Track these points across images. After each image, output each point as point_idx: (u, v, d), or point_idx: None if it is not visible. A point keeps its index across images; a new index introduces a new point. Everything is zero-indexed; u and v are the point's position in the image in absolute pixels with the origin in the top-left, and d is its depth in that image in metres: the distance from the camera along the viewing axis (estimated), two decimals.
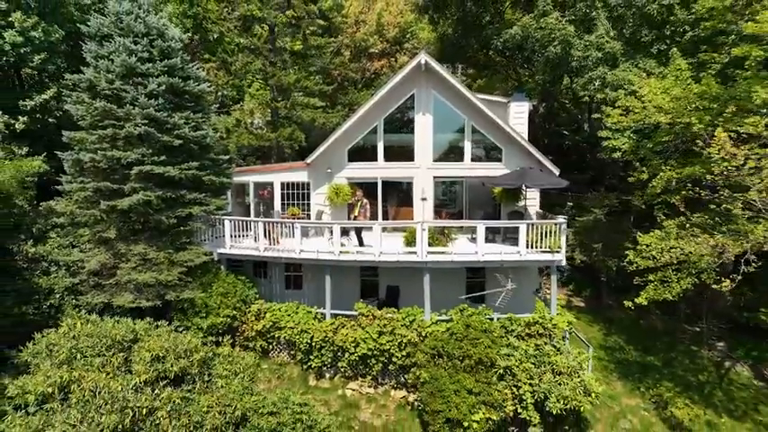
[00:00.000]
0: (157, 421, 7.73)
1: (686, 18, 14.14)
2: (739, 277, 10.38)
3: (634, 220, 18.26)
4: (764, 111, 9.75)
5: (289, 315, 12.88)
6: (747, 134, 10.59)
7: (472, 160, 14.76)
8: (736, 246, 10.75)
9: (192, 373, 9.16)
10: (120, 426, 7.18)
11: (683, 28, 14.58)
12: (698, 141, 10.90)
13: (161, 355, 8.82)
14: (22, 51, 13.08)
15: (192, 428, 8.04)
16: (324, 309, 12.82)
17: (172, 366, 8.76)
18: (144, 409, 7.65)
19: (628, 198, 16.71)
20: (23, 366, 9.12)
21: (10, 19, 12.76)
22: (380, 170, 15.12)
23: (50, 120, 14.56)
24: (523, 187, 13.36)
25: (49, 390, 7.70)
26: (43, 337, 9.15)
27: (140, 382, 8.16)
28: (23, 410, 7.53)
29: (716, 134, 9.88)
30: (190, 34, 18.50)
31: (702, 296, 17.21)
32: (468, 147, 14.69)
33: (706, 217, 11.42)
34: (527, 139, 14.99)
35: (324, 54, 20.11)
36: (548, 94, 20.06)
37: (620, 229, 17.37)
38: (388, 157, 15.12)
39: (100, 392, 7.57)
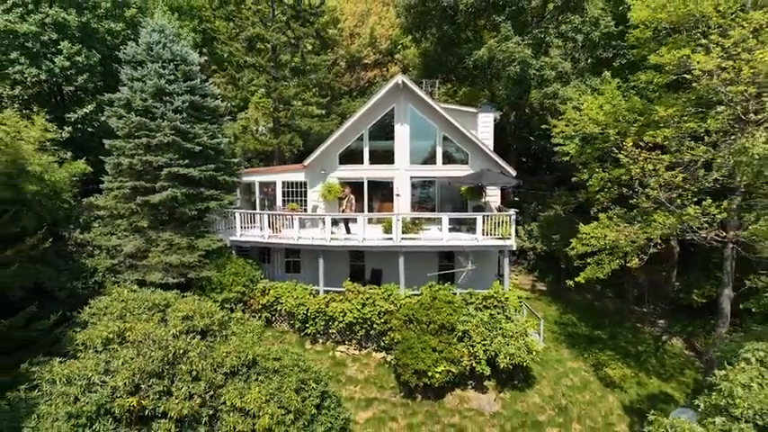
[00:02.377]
0: (191, 359, 10.35)
1: (623, 44, 16.79)
2: (646, 257, 13.03)
3: (593, 215, 20.83)
4: (662, 125, 12.37)
5: (289, 291, 15.51)
6: (654, 143, 13.26)
7: (443, 163, 17.31)
8: (654, 232, 13.40)
9: (214, 329, 11.77)
10: (166, 358, 9.81)
11: (622, 52, 17.25)
12: (614, 149, 13.53)
13: (189, 314, 11.39)
14: (68, 73, 15.77)
15: (215, 366, 10.63)
16: (318, 286, 15.45)
17: (198, 323, 11.34)
18: (180, 350, 10.22)
19: (579, 196, 19.33)
20: (83, 324, 11.77)
21: (59, 47, 15.42)
22: (366, 171, 17.71)
23: (89, 129, 17.22)
24: (483, 185, 15.98)
25: (110, 336, 10.36)
26: (98, 301, 11.85)
27: (176, 332, 10.77)
28: (92, 350, 10.18)
29: (624, 143, 12.52)
30: (201, 52, 21.14)
31: (647, 280, 19.95)
32: (439, 152, 17.25)
33: (625, 210, 14.06)
34: (497, 143, 17.60)
35: (320, 70, 22.76)
36: (516, 104, 22.74)
37: (577, 222, 19.99)
38: (372, 161, 17.68)
39: (149, 336, 10.22)
